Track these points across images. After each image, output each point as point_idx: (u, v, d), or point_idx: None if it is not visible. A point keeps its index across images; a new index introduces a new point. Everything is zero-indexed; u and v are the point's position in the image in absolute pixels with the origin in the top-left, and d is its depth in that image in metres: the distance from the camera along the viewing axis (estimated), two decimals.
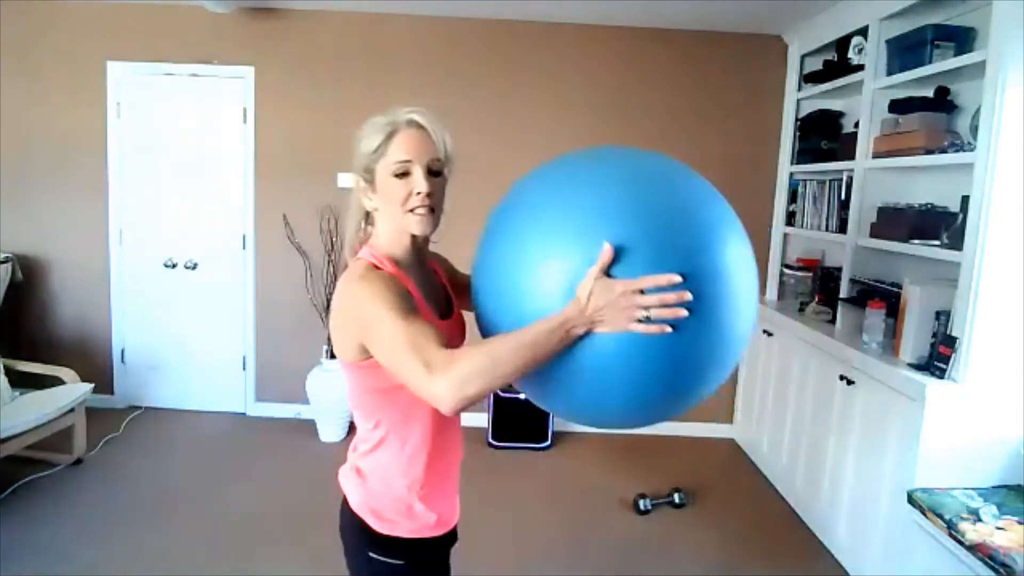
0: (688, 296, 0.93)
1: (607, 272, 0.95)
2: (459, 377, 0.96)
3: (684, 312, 0.93)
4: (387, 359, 1.05)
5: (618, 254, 0.95)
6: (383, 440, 1.21)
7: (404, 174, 1.14)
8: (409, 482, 1.22)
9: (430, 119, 1.17)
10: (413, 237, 1.19)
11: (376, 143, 1.15)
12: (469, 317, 1.25)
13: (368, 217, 1.24)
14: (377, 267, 1.15)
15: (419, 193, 1.14)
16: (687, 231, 1.00)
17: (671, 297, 0.93)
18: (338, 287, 1.16)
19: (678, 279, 0.93)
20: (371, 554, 1.23)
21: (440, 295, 1.31)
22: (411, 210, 1.15)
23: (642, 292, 0.93)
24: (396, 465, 1.22)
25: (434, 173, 1.16)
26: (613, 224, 0.97)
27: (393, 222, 1.18)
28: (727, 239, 1.03)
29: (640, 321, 0.93)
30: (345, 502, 1.29)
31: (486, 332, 1.12)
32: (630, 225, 0.97)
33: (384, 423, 1.21)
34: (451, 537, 1.34)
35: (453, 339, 1.26)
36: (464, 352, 0.98)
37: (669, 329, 0.94)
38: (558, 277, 0.99)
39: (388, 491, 1.23)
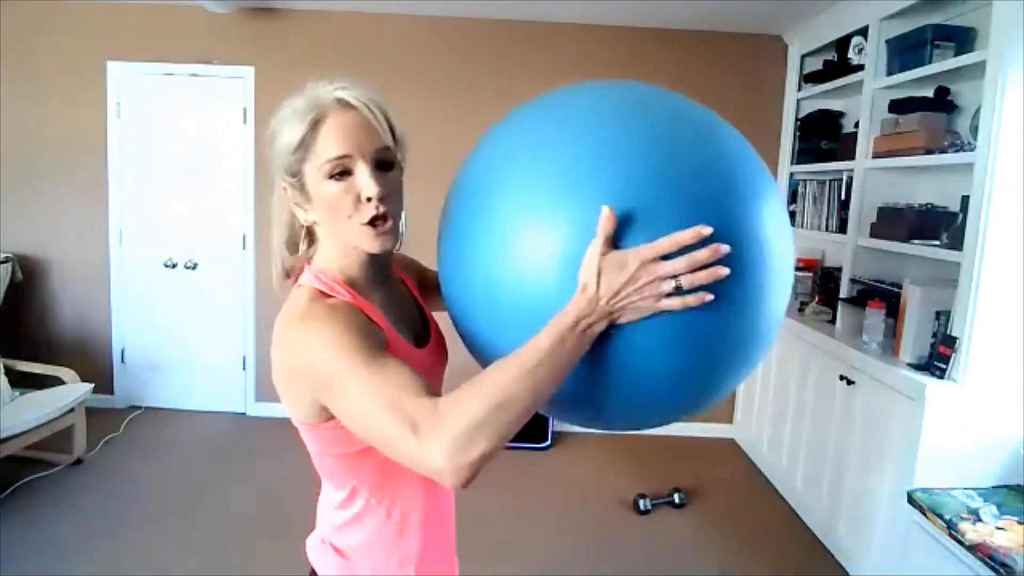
0: (725, 249, 0.72)
1: (613, 244, 0.73)
2: (458, 436, 0.70)
3: (725, 270, 0.72)
4: (356, 423, 0.79)
5: (625, 219, 0.73)
6: (363, 512, 0.95)
7: (343, 173, 0.86)
8: (401, 557, 0.97)
9: (365, 93, 0.89)
10: (371, 256, 0.92)
11: (298, 136, 0.86)
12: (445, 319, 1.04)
13: (308, 232, 0.96)
14: (326, 294, 0.88)
15: (369, 199, 0.85)
16: (712, 178, 0.78)
17: (704, 254, 0.72)
18: (276, 330, 0.86)
19: (708, 231, 0.72)
20: None
21: (412, 313, 1.06)
22: (364, 223, 0.87)
23: (664, 258, 0.73)
24: (383, 540, 0.96)
25: (383, 166, 0.88)
26: (610, 170, 0.75)
27: (339, 237, 0.90)
28: (762, 189, 0.83)
29: (671, 295, 0.73)
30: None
31: (466, 339, 0.91)
32: (635, 170, 0.75)
33: (362, 490, 0.95)
34: None
35: (435, 367, 1.03)
36: (460, 395, 0.73)
37: (710, 297, 0.73)
38: (544, 251, 0.76)
39: (377, 571, 0.98)
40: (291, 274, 0.98)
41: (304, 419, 0.89)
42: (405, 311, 1.04)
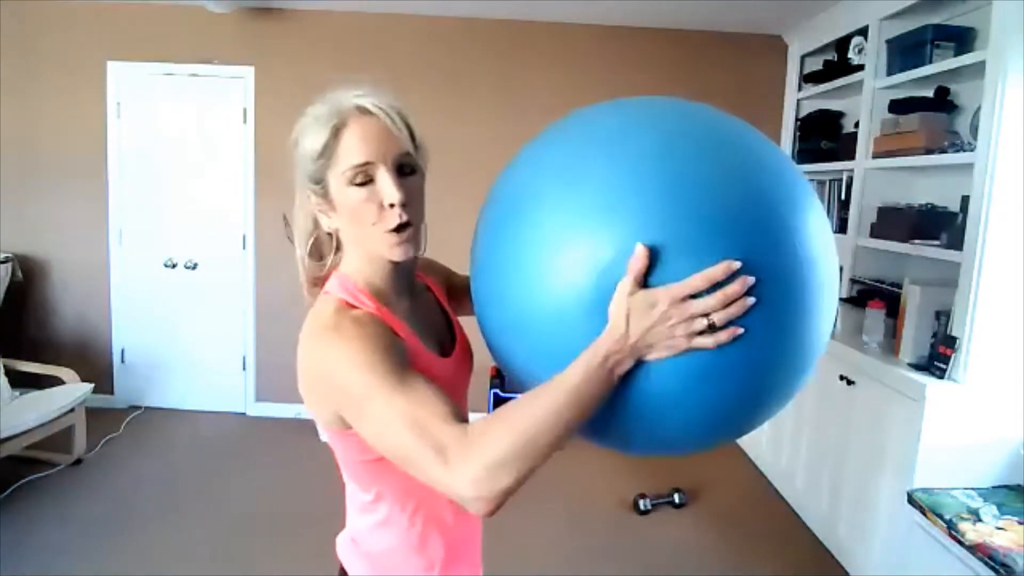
0: (751, 280, 0.71)
1: (644, 282, 0.72)
2: (486, 468, 0.71)
3: (752, 300, 0.72)
4: (382, 444, 0.80)
5: (658, 254, 0.72)
6: (388, 518, 0.97)
7: (366, 181, 0.86)
8: (426, 563, 0.99)
9: (385, 100, 0.89)
10: (394, 264, 0.92)
11: (320, 143, 0.87)
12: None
13: (334, 240, 0.96)
14: (352, 305, 0.88)
15: (392, 205, 0.86)
16: (754, 204, 0.76)
17: (734, 288, 0.71)
18: (302, 337, 0.87)
19: (737, 265, 0.71)
20: None
21: (437, 321, 1.05)
22: (387, 230, 0.87)
23: (694, 297, 0.71)
24: (407, 546, 0.97)
25: (405, 172, 0.89)
26: (647, 199, 0.74)
27: (363, 245, 0.91)
28: (804, 209, 0.80)
29: (702, 332, 0.72)
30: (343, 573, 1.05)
31: (493, 350, 0.90)
32: (672, 200, 0.74)
33: (386, 497, 0.96)
34: None
35: (460, 376, 1.03)
36: (489, 426, 0.73)
37: (740, 331, 0.72)
38: (577, 278, 0.75)
39: (400, 573, 1.00)
40: (318, 282, 0.97)
41: (328, 425, 0.89)
42: (430, 319, 1.03)
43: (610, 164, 0.77)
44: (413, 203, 0.88)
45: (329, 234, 0.95)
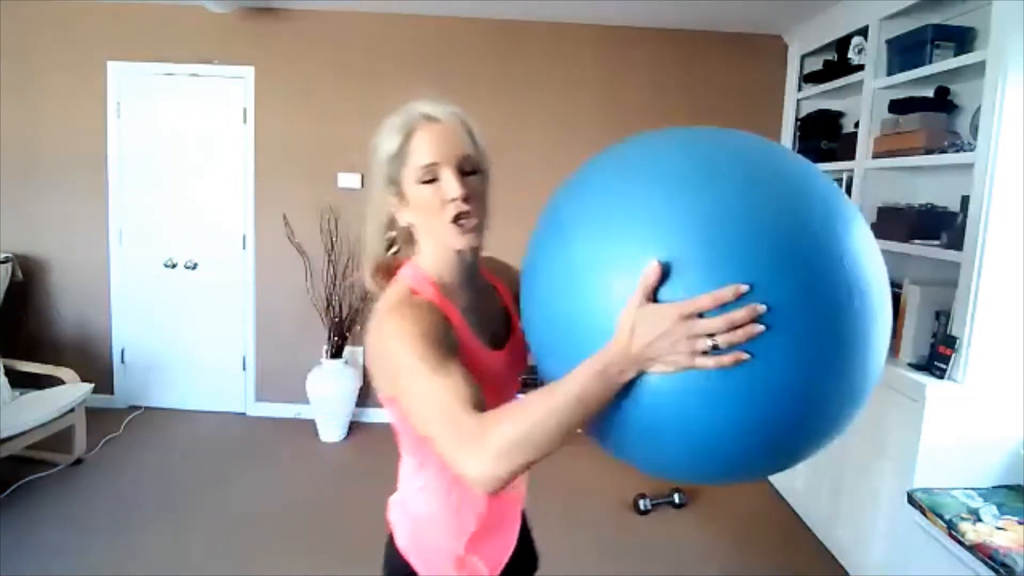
0: (762, 309, 0.72)
1: (654, 296, 0.76)
2: (493, 453, 0.79)
3: (759, 328, 0.72)
4: (414, 418, 0.92)
5: (670, 269, 0.75)
6: (429, 484, 1.09)
7: (432, 180, 0.99)
8: (458, 531, 1.10)
9: (449, 110, 1.03)
10: (459, 252, 1.03)
11: (394, 148, 1.00)
12: None
13: (408, 234, 1.08)
14: (416, 292, 1.01)
15: (453, 199, 0.98)
16: (795, 232, 0.76)
17: (741, 314, 0.72)
18: (373, 315, 1.01)
19: (744, 289, 0.72)
20: None
21: (495, 316, 1.14)
22: (449, 221, 0.99)
23: (701, 316, 0.73)
24: (444, 512, 1.09)
25: (467, 172, 1.01)
26: (681, 230, 0.76)
27: (432, 236, 1.03)
28: (844, 240, 0.78)
29: (706, 353, 0.73)
30: (391, 538, 1.16)
31: (534, 351, 0.96)
32: (685, 230, 0.76)
33: (429, 466, 1.08)
34: None
35: (511, 369, 1.11)
36: (499, 418, 0.81)
37: (745, 356, 0.73)
38: (610, 298, 0.78)
39: (436, 538, 1.11)
40: (384, 271, 1.09)
41: (386, 396, 1.02)
42: (488, 314, 1.11)
43: (646, 192, 0.80)
44: (473, 199, 1.00)
45: (404, 228, 1.07)
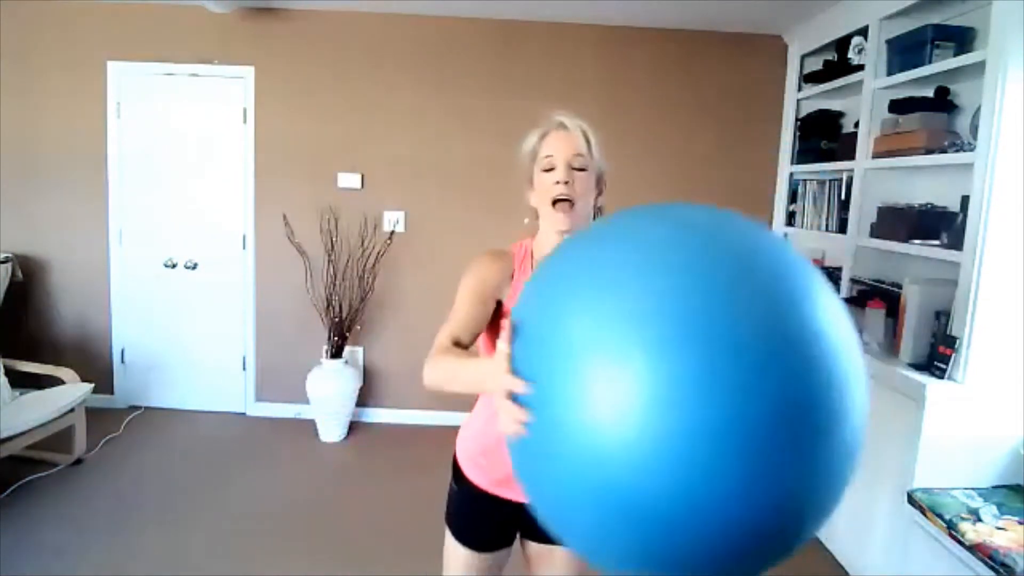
0: (524, 417, 0.81)
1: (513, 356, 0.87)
2: (427, 371, 1.14)
3: (523, 416, 0.81)
4: None
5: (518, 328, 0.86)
6: (476, 404, 1.45)
7: (550, 169, 1.30)
8: (481, 448, 1.40)
9: (575, 121, 1.33)
10: (559, 234, 1.29)
11: (532, 145, 1.34)
12: None
13: (535, 214, 1.38)
14: (506, 252, 1.36)
15: (557, 182, 1.27)
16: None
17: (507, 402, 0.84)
18: None
19: (521, 390, 0.81)
20: (451, 482, 1.49)
21: None
22: (552, 203, 1.28)
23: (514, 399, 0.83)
24: (476, 431, 1.42)
25: (575, 168, 1.30)
26: (661, 328, 0.76)
27: (543, 216, 1.33)
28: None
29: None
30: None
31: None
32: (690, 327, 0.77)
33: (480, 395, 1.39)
34: (514, 513, 1.38)
35: None
36: (440, 357, 1.14)
37: (519, 428, 0.82)
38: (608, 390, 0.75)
39: (468, 440, 1.46)
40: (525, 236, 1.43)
41: None
42: None
43: (634, 296, 0.79)
44: (574, 187, 1.29)
45: (534, 210, 1.37)
